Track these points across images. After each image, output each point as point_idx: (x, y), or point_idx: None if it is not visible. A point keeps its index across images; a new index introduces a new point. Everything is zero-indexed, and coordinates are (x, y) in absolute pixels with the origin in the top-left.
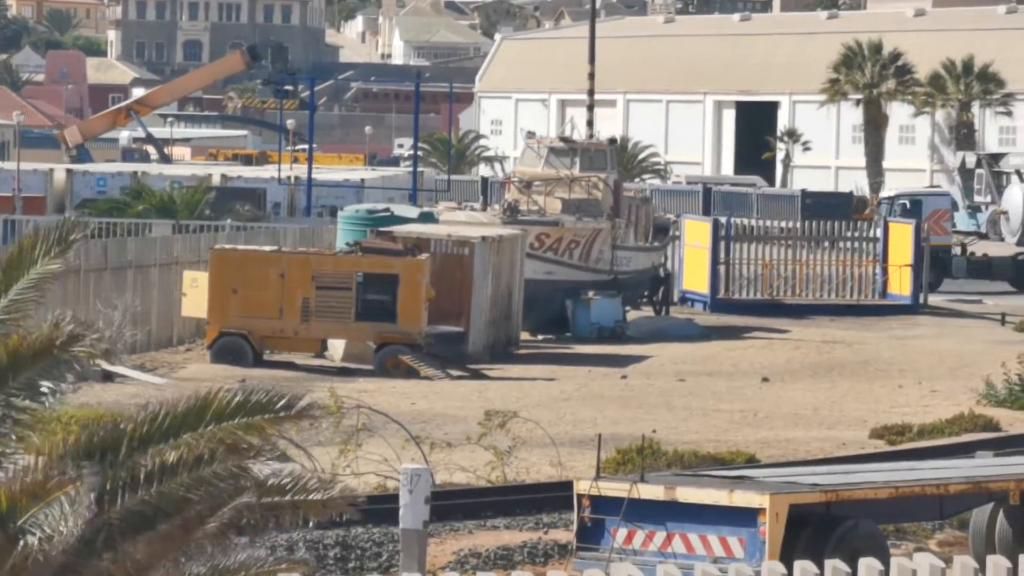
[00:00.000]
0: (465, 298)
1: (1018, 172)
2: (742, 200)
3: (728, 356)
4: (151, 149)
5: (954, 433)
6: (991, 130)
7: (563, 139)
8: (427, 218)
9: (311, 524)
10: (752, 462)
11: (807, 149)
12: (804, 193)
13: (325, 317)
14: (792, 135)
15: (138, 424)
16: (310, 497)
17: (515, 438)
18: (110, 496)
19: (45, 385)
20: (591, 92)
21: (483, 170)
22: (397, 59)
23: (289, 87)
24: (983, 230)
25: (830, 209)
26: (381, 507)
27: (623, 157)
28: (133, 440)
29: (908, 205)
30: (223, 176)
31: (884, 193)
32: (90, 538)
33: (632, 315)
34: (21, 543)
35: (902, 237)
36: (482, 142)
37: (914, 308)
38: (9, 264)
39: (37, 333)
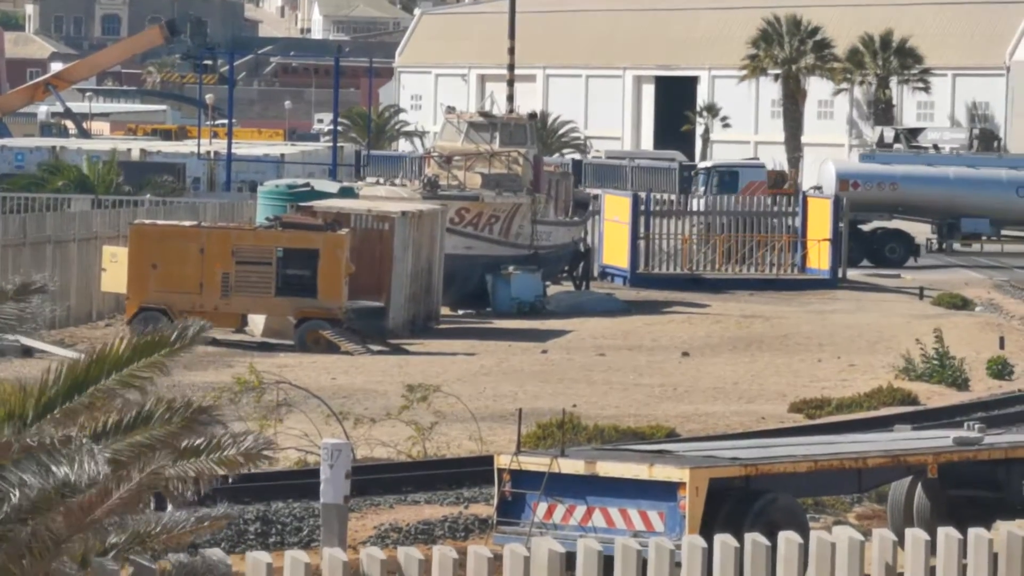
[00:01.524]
0: (385, 273)
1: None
2: (616, 172)
3: (648, 331)
4: (70, 124)
5: (872, 407)
6: (909, 105)
7: (483, 114)
8: (347, 193)
9: (230, 480)
10: (672, 436)
11: (726, 124)
12: (682, 166)
13: (245, 292)
14: (711, 110)
15: (43, 385)
16: (226, 454)
17: (436, 413)
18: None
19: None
20: (511, 67)
21: (403, 145)
22: (316, 34)
23: (208, 62)
24: None
25: None
26: (302, 482)
27: (543, 132)
28: (39, 404)
29: (726, 176)
30: (142, 151)
31: (701, 164)
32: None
33: (552, 290)
34: None
35: (821, 212)
36: (402, 117)
37: (833, 283)
38: None
39: None
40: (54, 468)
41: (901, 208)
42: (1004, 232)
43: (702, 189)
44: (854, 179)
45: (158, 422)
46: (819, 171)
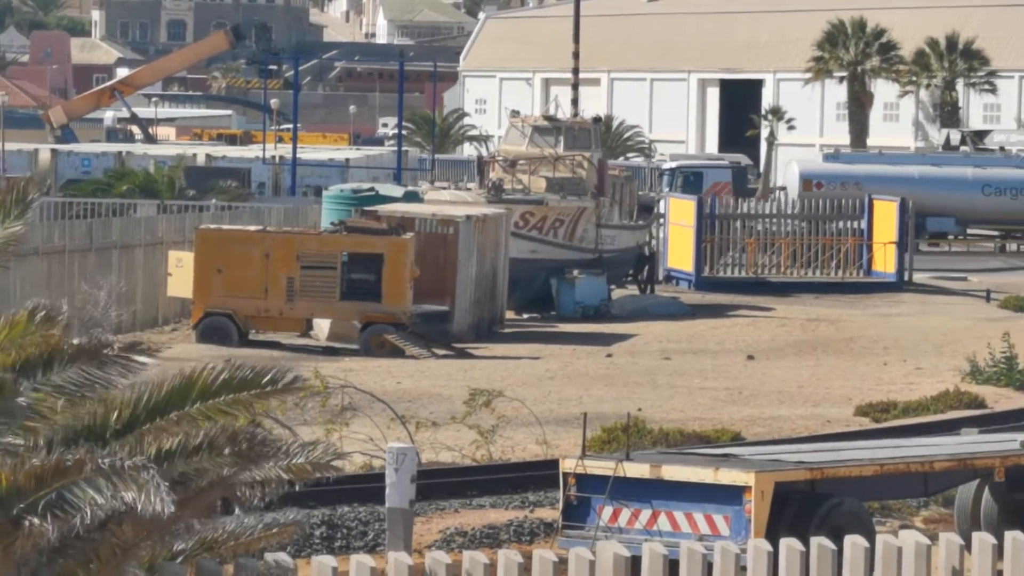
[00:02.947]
0: (450, 277)
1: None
2: (634, 173)
3: (713, 334)
4: (135, 129)
5: (939, 410)
6: (976, 107)
7: (547, 118)
8: (412, 197)
9: (296, 487)
10: (737, 440)
11: (791, 127)
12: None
13: (310, 296)
14: (776, 113)
15: (124, 405)
16: (295, 461)
17: (500, 417)
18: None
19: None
20: (575, 71)
21: (467, 149)
22: (381, 38)
23: (273, 67)
24: None
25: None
26: (367, 486)
27: (607, 136)
28: (119, 422)
29: (690, 176)
30: (208, 156)
31: (666, 164)
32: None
33: (617, 293)
34: (27, 525)
35: (887, 215)
36: (466, 121)
37: (898, 285)
38: None
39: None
40: (123, 492)
41: None
42: (970, 231)
43: (667, 190)
44: (817, 179)
45: (220, 450)
46: (785, 172)
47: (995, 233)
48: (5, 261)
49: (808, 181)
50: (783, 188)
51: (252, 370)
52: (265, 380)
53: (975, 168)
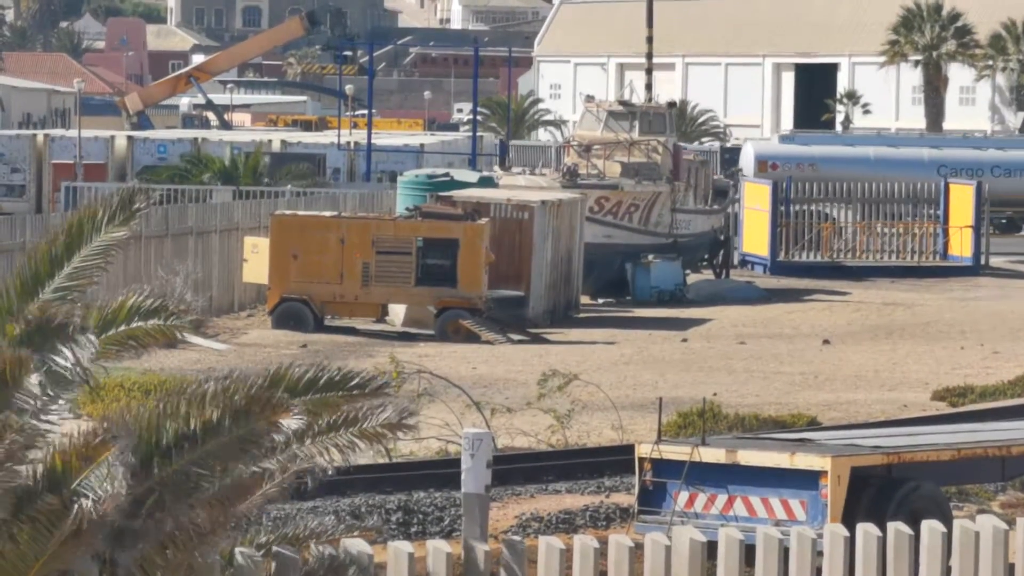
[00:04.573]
0: (525, 262)
1: None
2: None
3: (788, 318)
4: (211, 115)
5: (1017, 395)
6: None
7: (622, 103)
8: (487, 183)
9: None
10: (813, 425)
11: (867, 111)
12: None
13: (385, 282)
14: (852, 97)
15: (204, 396)
16: (366, 426)
17: (576, 402)
18: (158, 459)
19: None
20: (649, 55)
21: (542, 134)
22: (455, 24)
23: (348, 53)
24: None
25: None
26: (443, 472)
27: (682, 120)
28: (207, 425)
29: None
30: (283, 142)
31: None
32: (140, 500)
33: (692, 278)
34: (76, 507)
35: (963, 199)
36: (541, 106)
37: (975, 269)
38: (71, 231)
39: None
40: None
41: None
42: None
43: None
44: (772, 160)
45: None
46: (741, 153)
47: None
48: (107, 263)
49: (763, 162)
50: (739, 169)
51: (339, 371)
52: (353, 383)
53: (931, 149)
